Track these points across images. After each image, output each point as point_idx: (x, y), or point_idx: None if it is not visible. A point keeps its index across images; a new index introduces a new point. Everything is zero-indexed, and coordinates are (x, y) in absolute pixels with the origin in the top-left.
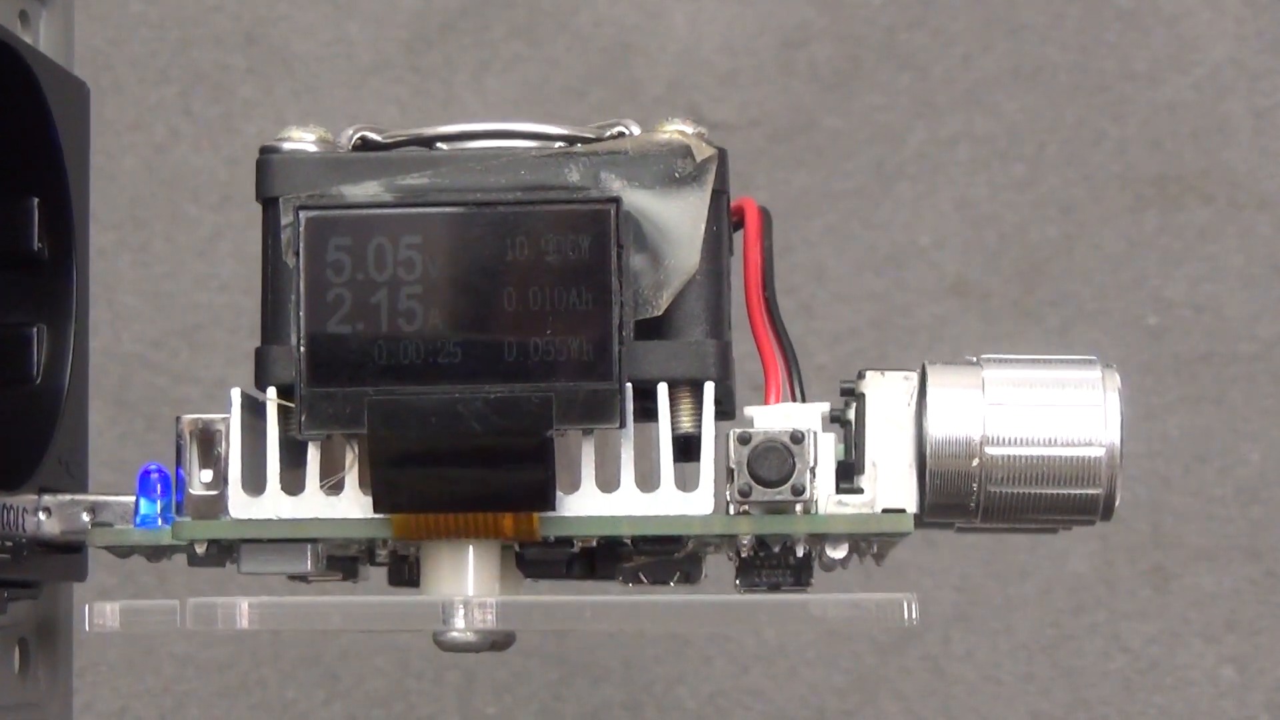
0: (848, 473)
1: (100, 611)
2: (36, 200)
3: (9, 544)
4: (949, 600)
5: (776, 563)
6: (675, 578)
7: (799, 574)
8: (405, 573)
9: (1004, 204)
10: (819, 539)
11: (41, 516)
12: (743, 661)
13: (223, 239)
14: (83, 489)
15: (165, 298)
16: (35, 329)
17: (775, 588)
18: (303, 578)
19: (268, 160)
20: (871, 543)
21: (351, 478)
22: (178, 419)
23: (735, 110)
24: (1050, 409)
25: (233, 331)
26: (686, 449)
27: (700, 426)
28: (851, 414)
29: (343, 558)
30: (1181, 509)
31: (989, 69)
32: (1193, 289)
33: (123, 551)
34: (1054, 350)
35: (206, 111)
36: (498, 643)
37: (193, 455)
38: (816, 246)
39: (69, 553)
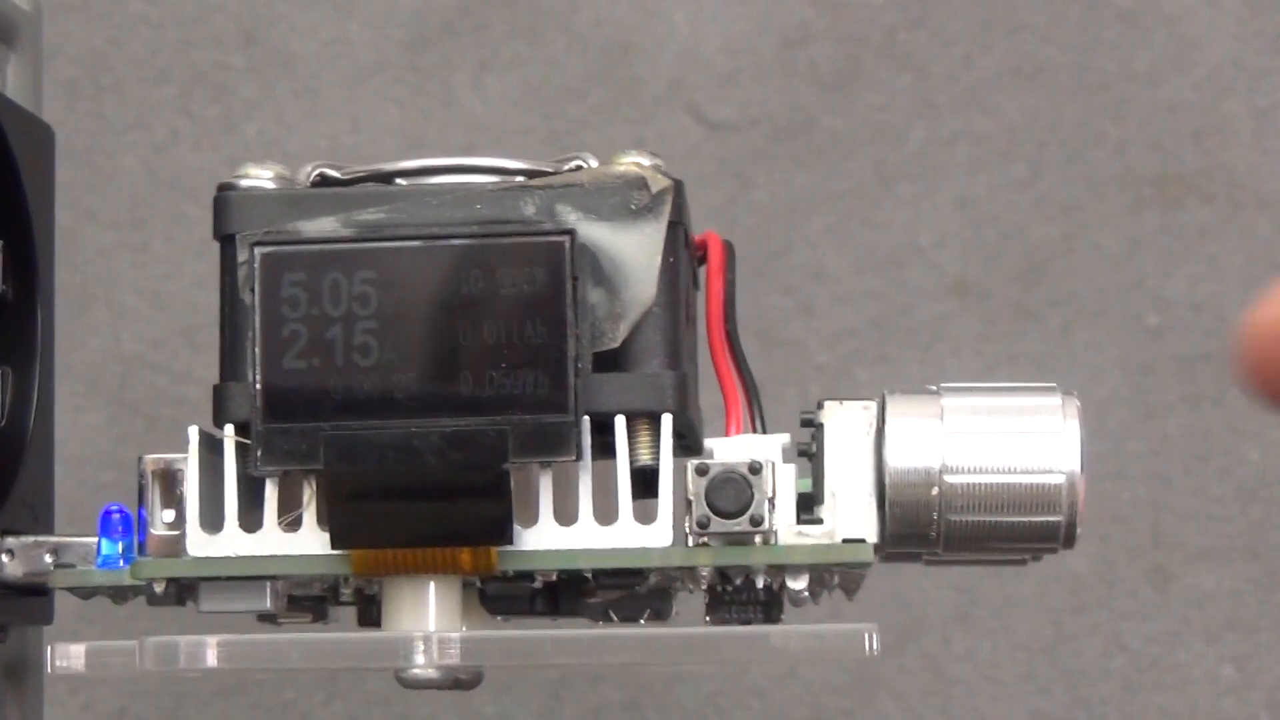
0: (811, 504)
1: (64, 653)
2: (1, 243)
3: None
4: (949, 600)
5: (746, 599)
6: (645, 615)
7: (769, 610)
8: (374, 614)
9: (1004, 204)
10: (779, 570)
11: (4, 559)
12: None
13: None
14: (49, 531)
15: (165, 298)
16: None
17: (746, 624)
18: (272, 619)
19: (225, 198)
20: (834, 574)
21: (309, 514)
22: (140, 459)
23: (735, 110)
24: (1009, 436)
25: None
26: (647, 481)
27: (659, 459)
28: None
29: (309, 598)
30: (1181, 509)
31: (989, 69)
32: (1193, 289)
33: (85, 593)
34: (1053, 351)
35: (206, 111)
36: (462, 680)
37: (155, 495)
38: (816, 246)
39: (34, 595)
